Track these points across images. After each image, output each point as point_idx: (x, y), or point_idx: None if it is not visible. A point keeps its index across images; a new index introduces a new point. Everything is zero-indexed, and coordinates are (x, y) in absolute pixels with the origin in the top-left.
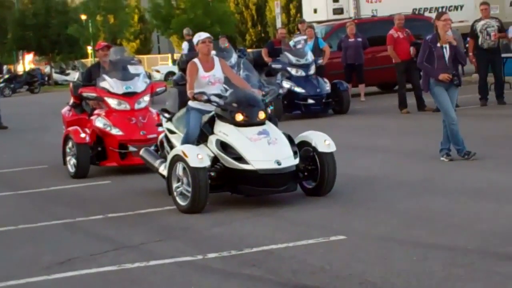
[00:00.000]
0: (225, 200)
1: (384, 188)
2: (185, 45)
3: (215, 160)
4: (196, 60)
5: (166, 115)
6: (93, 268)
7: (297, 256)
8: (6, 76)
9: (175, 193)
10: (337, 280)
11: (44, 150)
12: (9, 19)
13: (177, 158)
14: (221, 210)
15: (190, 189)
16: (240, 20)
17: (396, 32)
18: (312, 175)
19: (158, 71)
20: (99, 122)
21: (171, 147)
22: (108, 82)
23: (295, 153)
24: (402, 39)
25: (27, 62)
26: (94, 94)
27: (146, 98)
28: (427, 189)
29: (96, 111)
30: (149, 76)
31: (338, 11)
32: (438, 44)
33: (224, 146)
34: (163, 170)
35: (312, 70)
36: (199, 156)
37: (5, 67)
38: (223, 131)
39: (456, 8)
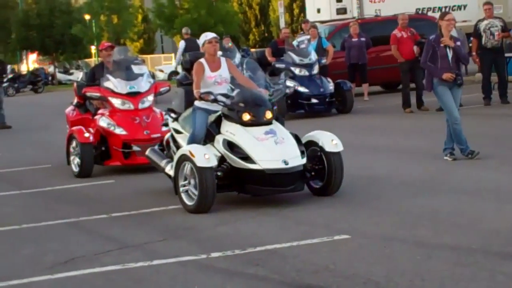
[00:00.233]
0: (229, 200)
1: (387, 188)
2: (181, 43)
3: (222, 160)
4: (202, 60)
5: (172, 114)
6: (97, 268)
7: (301, 256)
8: (10, 76)
9: (182, 193)
10: (341, 280)
11: (47, 149)
12: (13, 19)
13: (184, 158)
14: (225, 209)
15: (197, 189)
16: (244, 20)
17: (399, 32)
18: (319, 175)
19: (161, 71)
20: (103, 121)
21: (177, 147)
22: (112, 82)
23: (302, 152)
24: (405, 38)
25: (31, 62)
26: (98, 94)
27: (150, 97)
28: (430, 188)
29: (100, 111)
30: (153, 76)
31: (342, 11)
32: (442, 44)
33: (231, 146)
34: (170, 170)
35: (316, 70)
36: (206, 156)
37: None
38: (230, 130)
39: (459, 7)
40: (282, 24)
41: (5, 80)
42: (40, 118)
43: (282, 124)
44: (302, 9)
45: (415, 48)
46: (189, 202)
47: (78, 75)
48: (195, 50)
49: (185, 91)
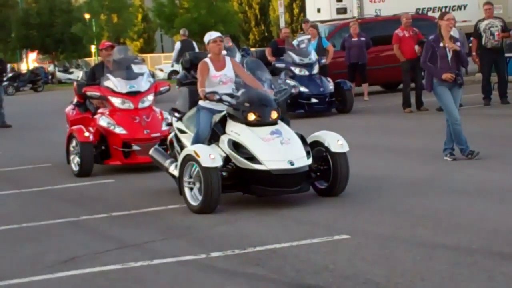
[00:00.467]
0: (229, 199)
1: (387, 188)
2: (177, 44)
3: (227, 160)
4: (207, 59)
5: (177, 114)
6: (97, 267)
7: (300, 255)
8: (10, 75)
9: (186, 193)
10: (341, 280)
11: (47, 148)
12: (13, 18)
13: (189, 158)
14: (225, 209)
15: (201, 190)
16: (244, 19)
17: (402, 31)
18: (324, 176)
19: (161, 70)
20: (103, 121)
21: (181, 146)
22: (112, 81)
23: (308, 153)
24: (407, 38)
25: (30, 61)
26: (98, 93)
27: (150, 97)
28: (430, 188)
29: (100, 110)
30: (153, 75)
31: (342, 10)
32: (441, 44)
33: (236, 146)
34: (174, 170)
35: (316, 70)
36: (211, 156)
37: (9, 66)
38: (235, 130)
39: (459, 7)
40: (282, 23)
41: (5, 79)
42: (40, 117)
43: (288, 124)
44: (302, 8)
45: (417, 47)
46: (194, 203)
47: (78, 74)
48: (190, 51)
49: (189, 91)
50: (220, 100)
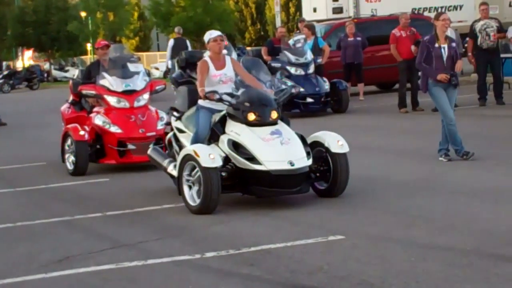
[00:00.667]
0: (224, 199)
1: (382, 188)
2: (171, 42)
3: (226, 160)
4: (207, 58)
5: (175, 113)
6: (91, 267)
7: (295, 256)
8: (5, 73)
9: (185, 193)
10: (335, 280)
11: (42, 147)
12: (9, 16)
13: (188, 158)
14: (219, 209)
15: (201, 190)
16: (240, 18)
17: (399, 31)
18: (324, 176)
19: (157, 69)
20: (98, 119)
21: (180, 146)
22: (108, 80)
23: (308, 153)
24: (404, 38)
25: (26, 59)
26: (93, 92)
27: (146, 96)
28: (425, 189)
29: (95, 109)
30: (148, 74)
31: (338, 10)
32: (436, 45)
33: (236, 146)
34: (172, 169)
35: (311, 69)
36: (211, 156)
37: (4, 64)
38: (235, 130)
39: (455, 8)
40: (278, 23)
41: (0, 76)
42: (35, 115)
43: (288, 124)
44: (298, 8)
45: (413, 48)
46: (193, 203)
47: (74, 72)
48: (183, 50)
49: (188, 90)
50: (220, 100)
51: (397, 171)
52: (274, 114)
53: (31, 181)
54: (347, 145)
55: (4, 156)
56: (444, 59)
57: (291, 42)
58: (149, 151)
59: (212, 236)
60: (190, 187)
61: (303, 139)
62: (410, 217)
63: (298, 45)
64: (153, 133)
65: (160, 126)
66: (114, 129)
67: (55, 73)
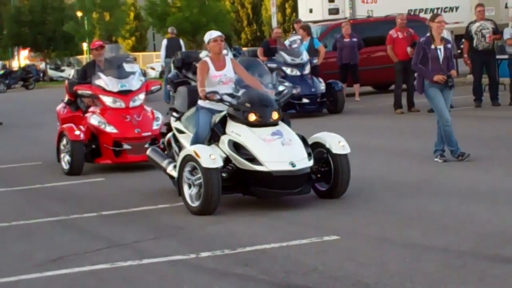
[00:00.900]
0: (220, 200)
1: (377, 189)
2: (164, 42)
3: (227, 161)
4: (207, 58)
5: (175, 114)
6: (86, 266)
7: (290, 256)
8: (1, 72)
9: (185, 194)
10: (330, 281)
11: (38, 146)
12: (5, 15)
13: (189, 158)
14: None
15: (202, 191)
16: (236, 18)
17: (396, 32)
18: (325, 177)
19: (153, 69)
20: (94, 119)
21: (179, 147)
22: (103, 80)
23: (309, 154)
24: (401, 39)
25: (22, 58)
26: (89, 92)
27: (141, 96)
28: (420, 190)
29: (91, 109)
30: (144, 74)
31: (334, 11)
32: (433, 46)
33: (236, 147)
34: (171, 170)
35: (307, 70)
36: (211, 157)
37: (0, 63)
38: (236, 131)
39: (451, 9)
40: (274, 23)
41: None
42: (31, 114)
43: (288, 125)
44: (295, 8)
45: (409, 49)
46: (193, 204)
47: (70, 72)
48: (176, 49)
49: (188, 90)
50: (221, 100)
51: (392, 172)
52: (275, 115)
53: (27, 181)
54: (348, 146)
55: None
56: (441, 60)
57: (287, 42)
58: (148, 152)
59: (207, 236)
60: (190, 188)
61: (304, 140)
62: (405, 217)
63: (294, 45)
64: (149, 133)
65: (155, 126)
66: (110, 129)
67: (51, 72)
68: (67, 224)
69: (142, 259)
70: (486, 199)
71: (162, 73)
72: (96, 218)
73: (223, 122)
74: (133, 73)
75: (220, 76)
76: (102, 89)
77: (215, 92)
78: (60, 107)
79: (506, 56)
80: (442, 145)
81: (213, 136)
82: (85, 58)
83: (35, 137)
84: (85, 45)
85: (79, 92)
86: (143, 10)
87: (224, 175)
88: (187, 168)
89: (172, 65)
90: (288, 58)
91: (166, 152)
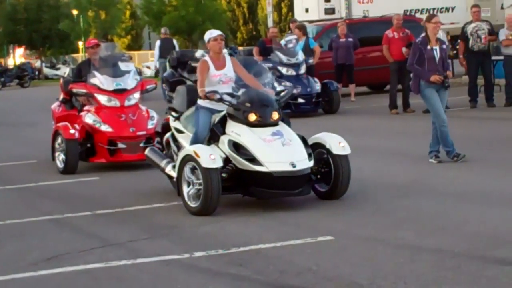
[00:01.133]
0: None
1: (372, 189)
2: (157, 43)
3: (226, 161)
4: (207, 58)
5: (174, 113)
6: (80, 265)
7: (284, 256)
8: None
9: (185, 194)
10: (324, 281)
11: (33, 145)
12: (0, 13)
13: (188, 158)
14: None
15: (201, 191)
16: (232, 18)
17: (392, 32)
18: (325, 178)
19: (148, 67)
20: (89, 118)
21: (178, 146)
22: (98, 79)
23: (309, 155)
24: (397, 39)
25: (17, 56)
26: (84, 90)
27: (136, 95)
28: (415, 190)
29: (85, 107)
30: (140, 73)
31: (330, 11)
32: (429, 46)
33: (236, 147)
34: (170, 170)
35: (303, 70)
36: (211, 157)
37: None
38: (236, 131)
39: (447, 10)
40: (270, 23)
41: None
42: (26, 113)
43: (289, 125)
44: (291, 8)
45: (404, 49)
46: (192, 204)
47: (65, 70)
48: (170, 50)
49: (187, 90)
50: (221, 100)
51: (387, 173)
52: (275, 115)
53: (21, 179)
54: (348, 147)
55: None
56: (437, 60)
57: (282, 42)
58: (146, 151)
59: (201, 236)
60: (189, 188)
61: (304, 141)
62: (399, 218)
63: (290, 45)
64: (144, 132)
65: (150, 125)
66: (105, 127)
67: (46, 71)
68: (61, 223)
69: (136, 258)
70: (480, 200)
71: (157, 73)
72: (90, 217)
73: (222, 122)
74: (128, 72)
75: (220, 75)
76: (97, 88)
77: (215, 92)
78: (55, 105)
79: (501, 57)
80: (437, 146)
81: (213, 136)
82: (80, 56)
83: (29, 136)
84: (80, 43)
85: (74, 90)
86: (139, 9)
87: (224, 175)
88: (187, 168)
89: (167, 64)
90: (284, 58)
91: (164, 152)
